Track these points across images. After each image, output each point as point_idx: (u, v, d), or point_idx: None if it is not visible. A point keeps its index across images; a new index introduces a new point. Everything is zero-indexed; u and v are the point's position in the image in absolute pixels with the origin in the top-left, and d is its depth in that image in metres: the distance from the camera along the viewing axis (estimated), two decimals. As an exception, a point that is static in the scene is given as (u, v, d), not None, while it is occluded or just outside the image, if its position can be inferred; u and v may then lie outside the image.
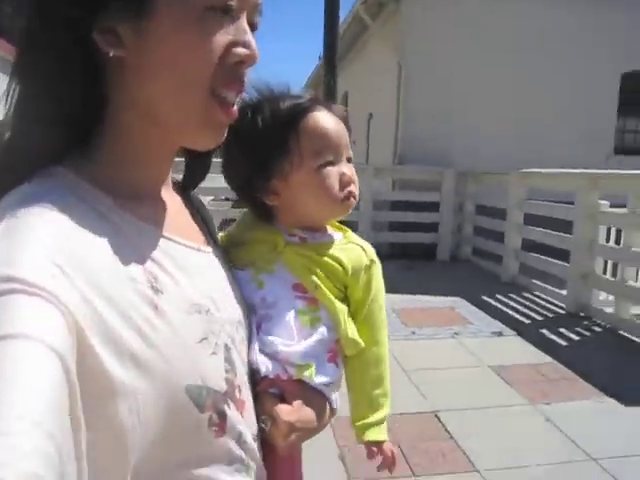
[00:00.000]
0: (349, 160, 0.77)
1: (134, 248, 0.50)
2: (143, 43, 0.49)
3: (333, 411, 0.74)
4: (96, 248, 0.46)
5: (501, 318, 4.75)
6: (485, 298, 5.39)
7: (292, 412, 0.66)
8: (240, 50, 0.52)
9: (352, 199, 0.76)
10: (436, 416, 2.93)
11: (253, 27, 0.56)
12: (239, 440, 0.58)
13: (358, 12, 8.99)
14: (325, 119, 0.75)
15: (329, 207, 0.75)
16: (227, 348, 0.58)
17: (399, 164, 8.20)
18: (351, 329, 0.75)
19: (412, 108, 8.15)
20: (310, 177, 0.73)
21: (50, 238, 0.43)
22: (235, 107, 0.56)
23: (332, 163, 0.74)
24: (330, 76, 5.54)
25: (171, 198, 0.63)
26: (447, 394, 3.21)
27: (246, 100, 0.74)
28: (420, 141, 7.97)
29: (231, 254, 0.75)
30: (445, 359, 3.82)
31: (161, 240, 0.55)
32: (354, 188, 0.76)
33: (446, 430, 2.79)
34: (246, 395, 0.62)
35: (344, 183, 0.75)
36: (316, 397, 0.71)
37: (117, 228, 0.50)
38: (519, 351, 4.02)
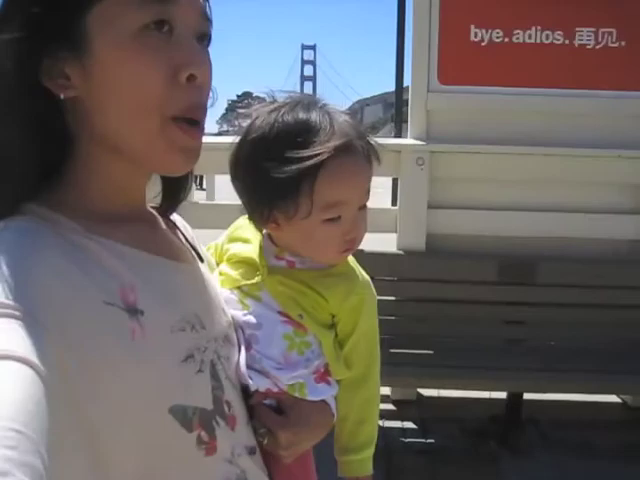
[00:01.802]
0: (362, 207, 0.72)
1: (112, 273, 0.50)
2: (89, 79, 0.50)
3: (333, 415, 0.73)
4: (71, 278, 0.46)
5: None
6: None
7: (288, 424, 0.66)
8: (186, 67, 0.51)
9: (350, 250, 0.73)
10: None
11: (204, 37, 0.54)
12: (233, 456, 0.58)
13: None
14: (349, 169, 0.67)
15: (324, 257, 0.73)
16: (213, 364, 0.58)
17: None
18: (338, 356, 0.73)
19: None
20: (313, 228, 0.69)
21: (30, 272, 0.44)
22: (201, 128, 0.54)
23: (340, 217, 0.69)
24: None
25: (151, 218, 0.63)
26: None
27: (281, 108, 0.67)
28: None
29: (221, 270, 0.75)
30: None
31: (141, 261, 0.55)
32: (356, 242, 0.73)
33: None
34: (237, 410, 0.62)
35: (345, 240, 0.71)
36: (314, 402, 0.70)
37: (94, 256, 0.50)
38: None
